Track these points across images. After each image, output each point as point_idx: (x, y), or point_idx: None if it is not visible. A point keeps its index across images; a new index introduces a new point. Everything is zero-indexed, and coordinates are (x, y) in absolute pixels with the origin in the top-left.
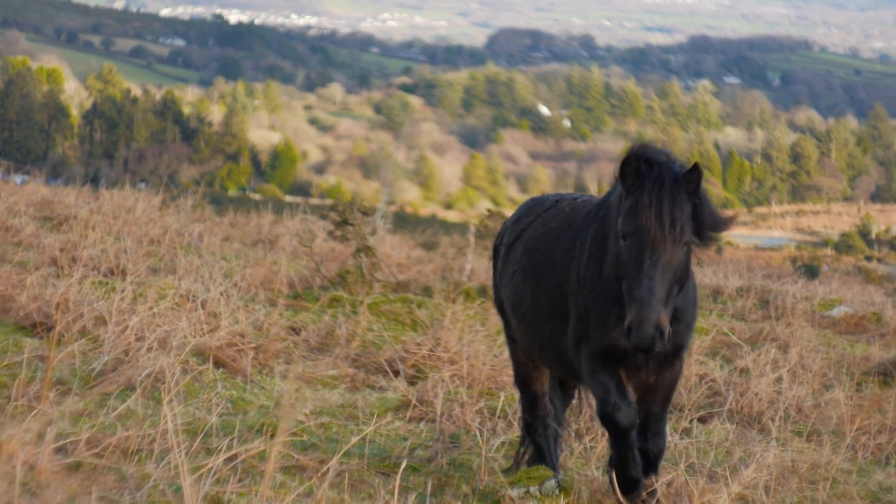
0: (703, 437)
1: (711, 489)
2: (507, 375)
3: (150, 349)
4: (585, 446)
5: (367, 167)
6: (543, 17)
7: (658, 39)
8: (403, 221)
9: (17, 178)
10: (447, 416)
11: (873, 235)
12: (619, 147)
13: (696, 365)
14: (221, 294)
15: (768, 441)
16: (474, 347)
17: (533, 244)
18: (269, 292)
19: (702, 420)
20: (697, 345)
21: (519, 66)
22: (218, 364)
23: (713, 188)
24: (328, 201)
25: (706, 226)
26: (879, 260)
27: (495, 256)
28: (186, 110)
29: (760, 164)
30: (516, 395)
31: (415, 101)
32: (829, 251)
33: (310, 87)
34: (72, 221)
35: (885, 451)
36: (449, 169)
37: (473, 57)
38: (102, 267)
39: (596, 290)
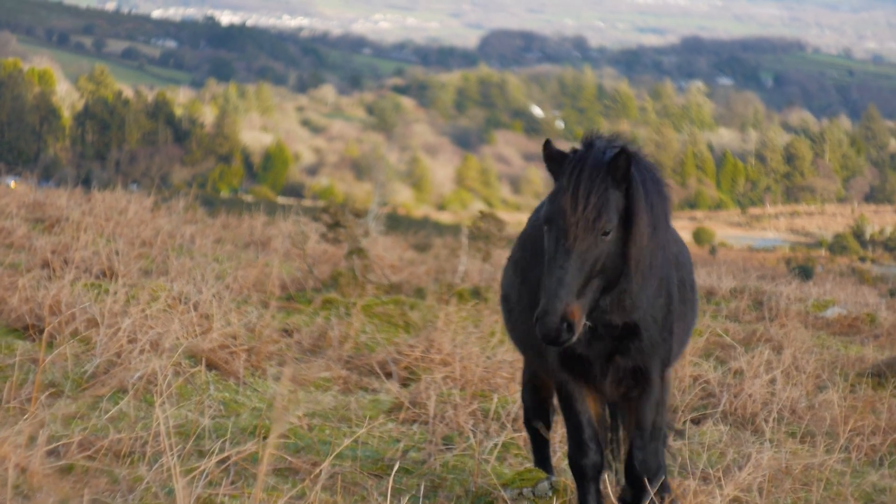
0: (696, 438)
1: (705, 491)
2: (501, 377)
3: (142, 351)
4: None
5: (360, 169)
6: (536, 18)
7: (651, 40)
8: (396, 223)
9: (9, 180)
10: (440, 418)
11: (867, 236)
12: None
13: (690, 366)
14: (214, 296)
15: (762, 442)
16: (467, 349)
17: (527, 235)
18: (262, 294)
19: (695, 421)
20: (691, 346)
21: (511, 67)
22: (210, 366)
23: (707, 189)
24: (321, 203)
25: (640, 216)
26: (873, 261)
27: None
28: (178, 112)
29: (754, 165)
30: (510, 396)
31: (407, 102)
32: (822, 252)
33: (302, 88)
34: (63, 223)
35: (879, 453)
36: (441, 170)
37: (466, 58)
38: (94, 269)
39: None
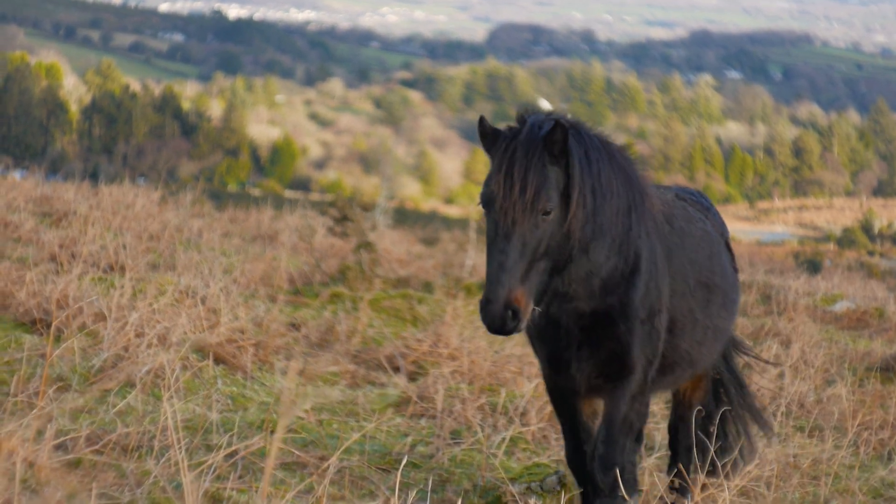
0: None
1: (713, 484)
2: (509, 372)
3: (149, 345)
4: None
5: (368, 162)
6: (544, 11)
7: (659, 34)
8: (404, 217)
9: (17, 174)
10: (448, 412)
11: (875, 230)
12: (620, 142)
13: None
14: (221, 290)
15: (770, 437)
16: (475, 343)
17: None
18: (269, 288)
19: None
20: None
21: (519, 60)
22: (218, 360)
23: (715, 183)
24: (328, 197)
25: (578, 192)
26: (882, 255)
27: None
28: (186, 105)
29: (762, 159)
30: (517, 390)
31: (415, 95)
32: (831, 246)
33: (309, 81)
34: (71, 217)
35: (888, 447)
36: (449, 164)
37: (474, 52)
38: (102, 263)
39: None
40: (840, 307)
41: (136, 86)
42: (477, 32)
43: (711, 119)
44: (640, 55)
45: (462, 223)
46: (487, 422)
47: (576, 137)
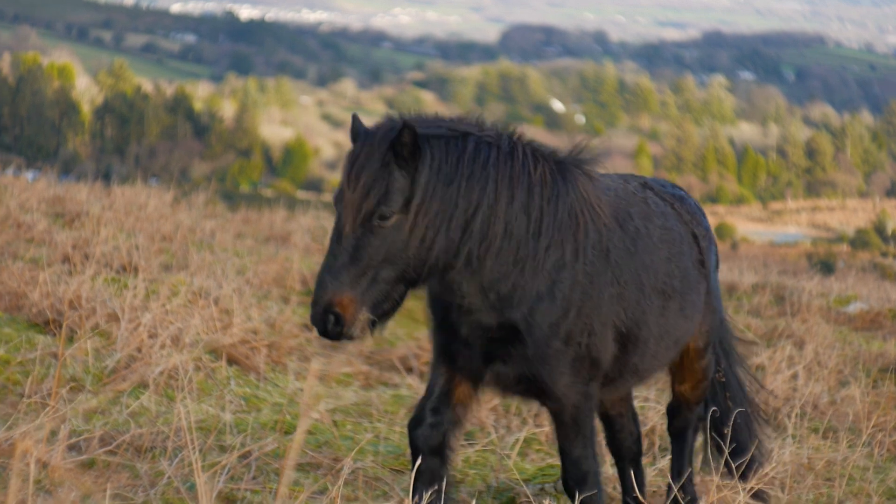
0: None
1: (727, 486)
2: None
3: (162, 346)
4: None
5: None
6: (556, 12)
7: (671, 35)
8: None
9: (29, 175)
10: None
11: (889, 231)
12: (633, 143)
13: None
14: (234, 291)
15: (784, 438)
16: None
17: None
18: (282, 289)
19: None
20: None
21: (532, 61)
22: (231, 361)
23: (728, 184)
24: None
25: (417, 200)
26: (895, 256)
27: None
28: (198, 106)
29: (775, 160)
30: None
31: (427, 96)
32: (844, 247)
33: (322, 82)
34: (84, 218)
35: None
36: None
37: (486, 52)
38: (115, 263)
39: None
40: (854, 308)
41: (148, 86)
42: (489, 33)
43: (724, 120)
44: (652, 56)
45: None
46: (501, 423)
47: (444, 146)
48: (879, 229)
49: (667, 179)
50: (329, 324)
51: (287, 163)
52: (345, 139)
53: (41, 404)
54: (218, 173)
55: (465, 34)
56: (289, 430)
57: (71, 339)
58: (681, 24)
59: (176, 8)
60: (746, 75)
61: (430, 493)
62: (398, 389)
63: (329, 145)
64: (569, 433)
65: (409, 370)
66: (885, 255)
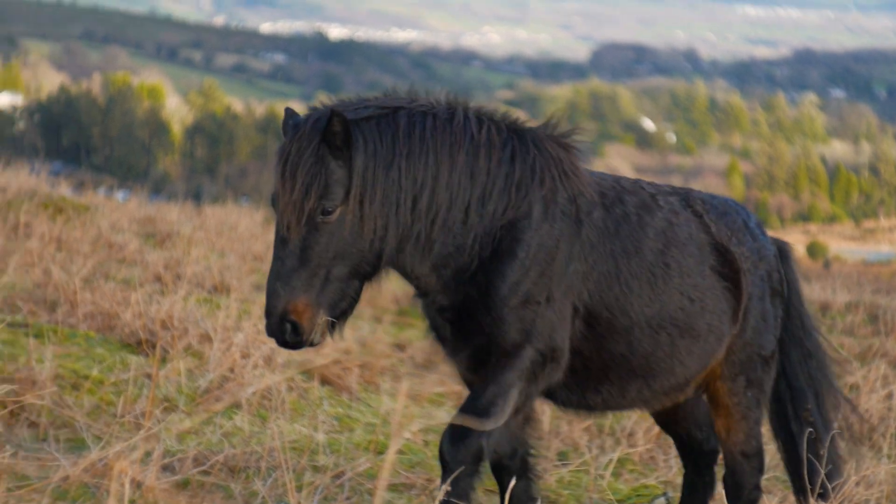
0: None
1: None
2: None
3: (255, 367)
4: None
5: None
6: (647, 30)
7: (762, 52)
8: None
9: (120, 195)
10: (555, 433)
11: None
12: (724, 161)
13: None
14: None
15: (880, 458)
16: None
17: None
18: (375, 309)
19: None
20: None
21: (622, 79)
22: (324, 381)
23: (820, 202)
24: None
25: (356, 190)
26: None
27: None
28: None
29: (868, 178)
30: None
31: (518, 115)
32: None
33: None
34: (175, 238)
35: None
36: None
37: (576, 71)
38: (206, 284)
39: None
40: None
41: (238, 106)
42: (579, 52)
43: (816, 138)
44: (743, 74)
45: None
46: (594, 443)
47: (376, 126)
48: None
49: (731, 197)
50: (286, 333)
51: None
52: None
53: (135, 424)
54: None
55: (555, 52)
56: (382, 451)
57: (164, 360)
58: (771, 41)
59: (265, 28)
60: (837, 93)
61: None
62: None
63: None
64: (500, 369)
65: None
66: None
